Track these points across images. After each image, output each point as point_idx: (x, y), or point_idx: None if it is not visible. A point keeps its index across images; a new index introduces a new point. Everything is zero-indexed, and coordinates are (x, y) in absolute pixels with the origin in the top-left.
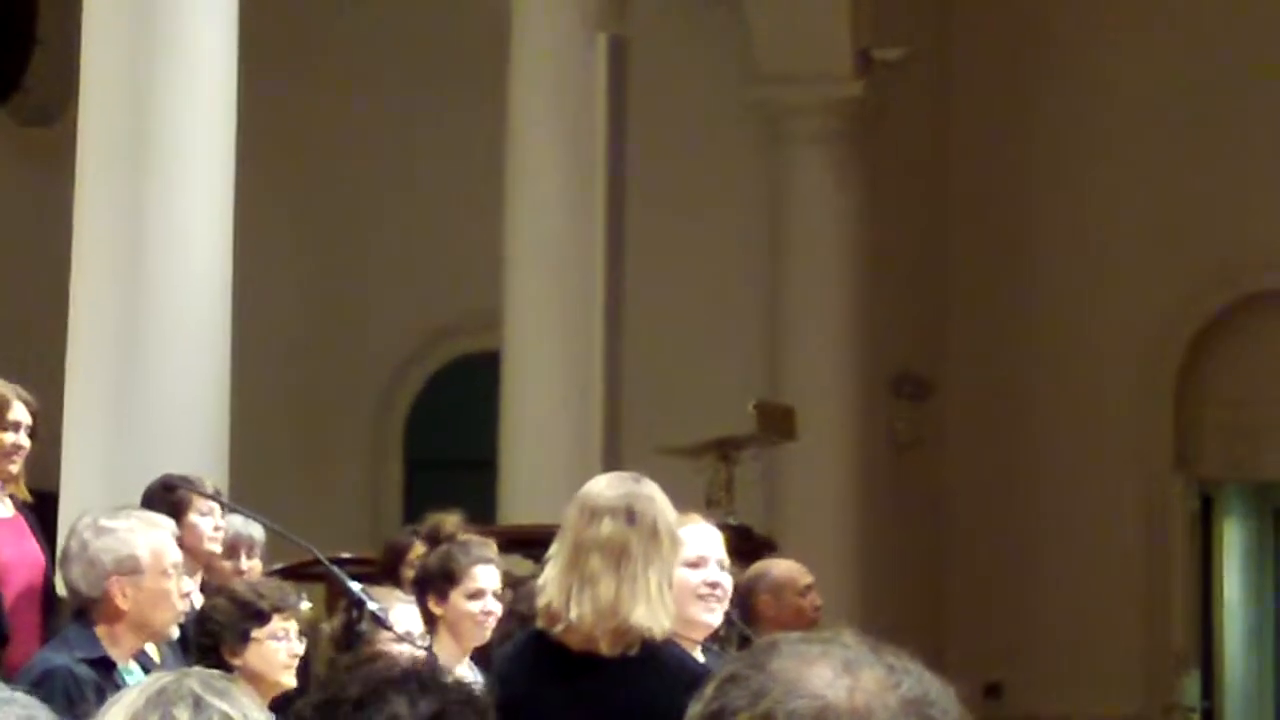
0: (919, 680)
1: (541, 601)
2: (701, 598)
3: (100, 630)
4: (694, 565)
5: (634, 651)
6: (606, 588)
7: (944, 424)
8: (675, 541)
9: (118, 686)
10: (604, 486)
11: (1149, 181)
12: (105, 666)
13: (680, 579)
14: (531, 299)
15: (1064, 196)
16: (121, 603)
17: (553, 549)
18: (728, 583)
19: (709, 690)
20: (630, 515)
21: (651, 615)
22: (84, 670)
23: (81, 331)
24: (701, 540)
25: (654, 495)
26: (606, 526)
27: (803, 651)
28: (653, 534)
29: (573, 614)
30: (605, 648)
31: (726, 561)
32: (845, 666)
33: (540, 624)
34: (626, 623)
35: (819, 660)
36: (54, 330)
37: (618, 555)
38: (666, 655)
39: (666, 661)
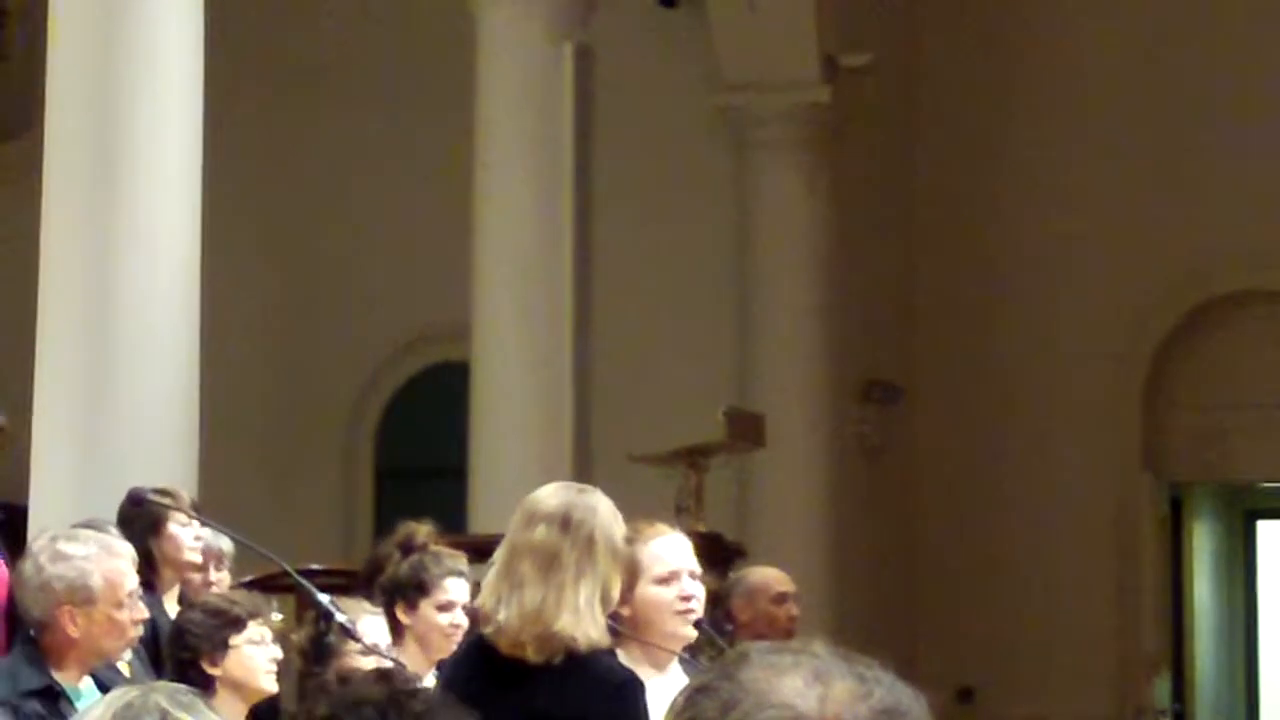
0: (890, 690)
1: (478, 602)
2: (680, 613)
3: (49, 657)
4: (666, 581)
5: (559, 660)
6: (533, 594)
7: (913, 429)
8: (615, 555)
9: (63, 715)
10: (548, 494)
11: (1117, 185)
12: (51, 695)
13: (655, 595)
14: (500, 308)
15: (1031, 201)
16: (72, 631)
17: (496, 553)
18: (700, 592)
19: (679, 700)
20: (565, 523)
21: (577, 625)
22: (27, 704)
23: (49, 345)
24: (671, 553)
25: (596, 506)
26: (540, 533)
27: (773, 662)
28: (588, 544)
29: (501, 616)
30: (532, 654)
31: (698, 570)
32: (816, 676)
33: (480, 626)
34: (550, 630)
35: (790, 670)
36: (21, 344)
37: (548, 562)
38: (591, 665)
39: (590, 671)
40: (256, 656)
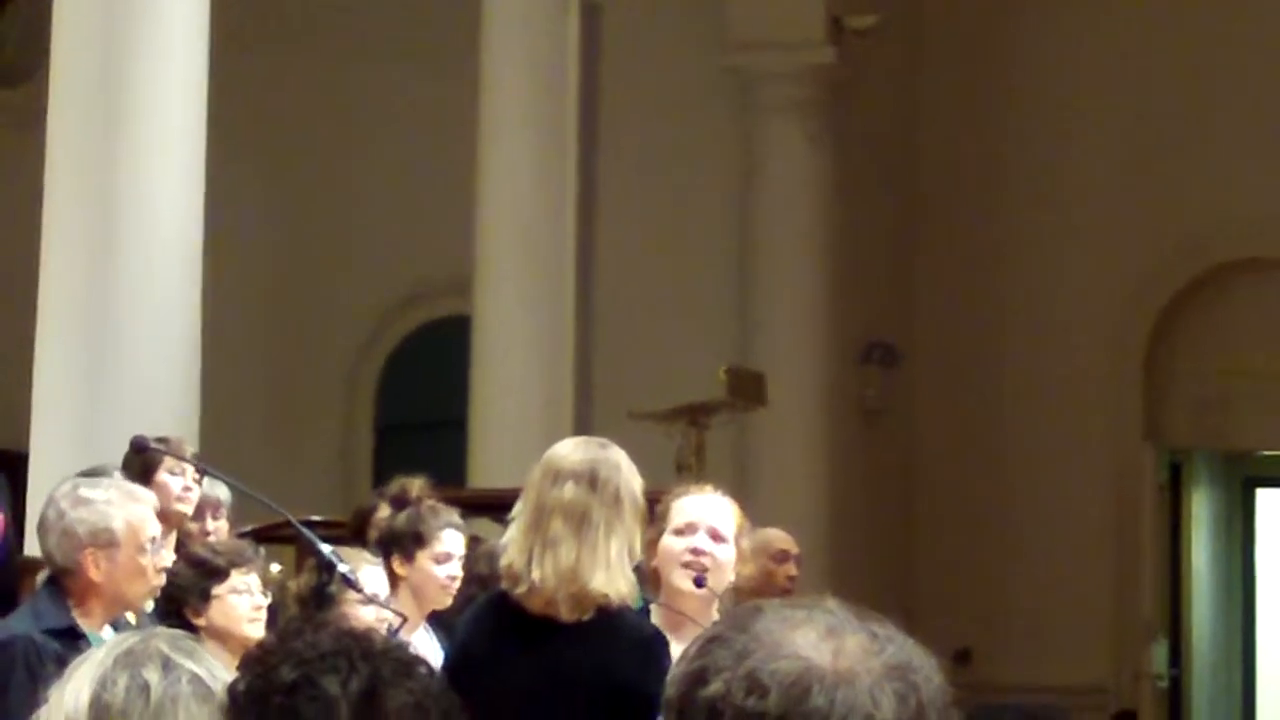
0: (902, 648)
1: (504, 561)
2: (685, 565)
3: (72, 601)
4: (681, 532)
5: (589, 616)
6: (567, 552)
7: (913, 391)
8: (638, 510)
9: None
10: (569, 450)
11: (1119, 151)
12: (72, 636)
13: (667, 545)
14: (503, 263)
15: (1034, 165)
16: (95, 575)
17: (515, 509)
18: (720, 552)
19: (692, 649)
20: (593, 480)
21: (609, 581)
22: (46, 640)
23: (51, 295)
24: (696, 508)
25: (619, 462)
26: (569, 490)
27: (787, 616)
28: (615, 500)
29: (534, 575)
30: (564, 612)
31: (726, 531)
32: (829, 631)
33: (504, 584)
34: (585, 588)
35: (803, 624)
36: (24, 293)
37: (579, 520)
38: (621, 621)
39: (620, 627)
40: (240, 605)
